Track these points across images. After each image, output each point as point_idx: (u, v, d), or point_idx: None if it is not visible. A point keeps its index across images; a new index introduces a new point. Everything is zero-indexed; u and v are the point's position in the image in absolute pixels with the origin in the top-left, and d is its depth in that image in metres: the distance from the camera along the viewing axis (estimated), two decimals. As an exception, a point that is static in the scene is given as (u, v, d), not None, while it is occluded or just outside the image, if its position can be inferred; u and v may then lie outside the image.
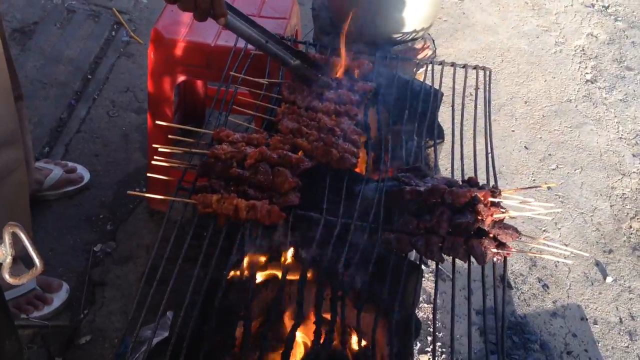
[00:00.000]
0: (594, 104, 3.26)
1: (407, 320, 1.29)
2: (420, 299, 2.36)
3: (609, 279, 2.50)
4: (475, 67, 1.84)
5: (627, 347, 2.31)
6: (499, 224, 1.32)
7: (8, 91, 1.78)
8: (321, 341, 1.13)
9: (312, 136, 1.46)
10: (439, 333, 2.28)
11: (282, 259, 1.30)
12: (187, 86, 2.47)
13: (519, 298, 2.41)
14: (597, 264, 2.56)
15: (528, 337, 2.30)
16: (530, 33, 3.66)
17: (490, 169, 1.57)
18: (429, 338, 2.25)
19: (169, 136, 1.42)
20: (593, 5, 3.92)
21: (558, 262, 2.53)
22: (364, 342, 1.36)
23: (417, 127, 1.61)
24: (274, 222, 1.30)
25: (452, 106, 1.74)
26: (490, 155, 1.59)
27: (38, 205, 2.36)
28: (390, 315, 1.27)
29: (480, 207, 1.29)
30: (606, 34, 3.71)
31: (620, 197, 2.81)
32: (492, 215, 1.29)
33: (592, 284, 2.48)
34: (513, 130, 3.08)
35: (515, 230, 1.33)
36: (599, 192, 2.83)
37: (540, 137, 3.06)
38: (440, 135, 1.68)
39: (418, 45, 2.00)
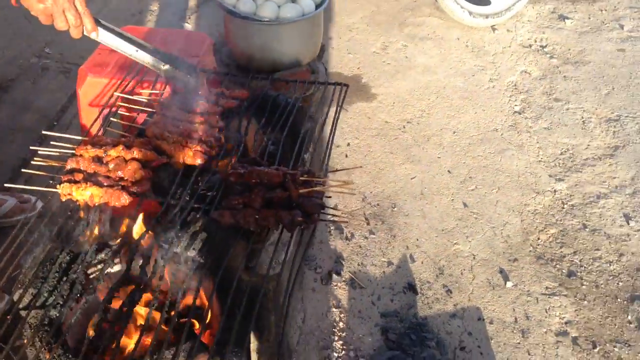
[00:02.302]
0: (518, 132, 3.52)
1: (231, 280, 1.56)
2: (331, 304, 2.60)
3: (509, 284, 2.70)
4: (334, 84, 2.14)
5: (519, 343, 2.49)
6: (307, 199, 1.60)
7: None
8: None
9: (172, 139, 1.78)
10: (343, 333, 2.50)
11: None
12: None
13: (422, 302, 2.63)
14: (501, 271, 2.76)
15: (425, 335, 2.50)
16: (467, 72, 3.98)
17: (327, 159, 1.84)
18: (332, 337, 2.48)
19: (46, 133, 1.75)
20: (530, 46, 4.23)
21: (464, 270, 2.75)
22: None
23: (271, 128, 1.92)
24: (123, 205, 1.60)
25: (312, 114, 2.02)
26: (328, 147, 1.86)
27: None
28: (215, 276, 1.54)
29: (289, 184, 1.57)
30: (540, 71, 4.00)
31: (532, 213, 3.03)
32: (298, 190, 1.57)
33: (494, 289, 2.68)
34: (439, 157, 3.35)
35: (320, 202, 1.60)
36: (512, 208, 3.05)
37: (464, 163, 3.32)
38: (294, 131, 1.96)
39: (302, 70, 2.34)
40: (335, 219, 1.64)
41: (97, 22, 1.72)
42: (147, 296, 1.44)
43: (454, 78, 3.92)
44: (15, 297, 1.44)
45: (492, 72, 3.98)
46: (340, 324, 2.53)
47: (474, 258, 2.81)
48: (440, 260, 2.79)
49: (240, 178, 1.62)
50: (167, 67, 1.87)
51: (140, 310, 1.45)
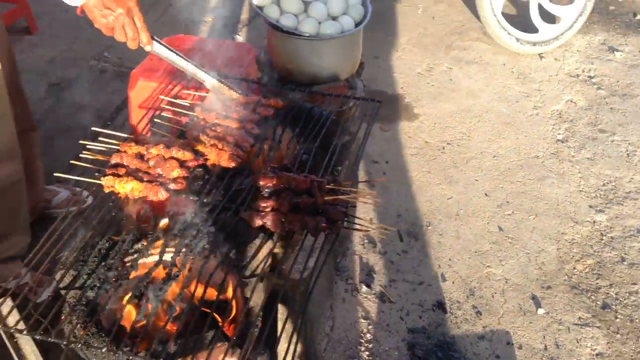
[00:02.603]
0: (560, 160, 3.49)
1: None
2: (359, 315, 2.63)
3: (541, 311, 2.67)
4: (368, 99, 2.20)
5: (546, 370, 2.47)
6: (332, 206, 1.65)
7: (8, 116, 2.28)
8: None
9: (209, 142, 1.87)
10: (370, 344, 2.53)
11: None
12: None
13: (451, 321, 2.63)
14: (533, 297, 2.74)
15: (453, 354, 2.50)
16: (511, 98, 3.97)
17: (354, 170, 1.89)
18: (359, 347, 2.50)
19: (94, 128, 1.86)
20: (578, 76, 4.20)
21: (495, 293, 2.74)
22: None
23: (305, 138, 1.98)
24: (160, 200, 1.69)
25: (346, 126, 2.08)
26: (357, 159, 1.92)
27: (43, 220, 2.85)
28: (240, 273, 1.60)
29: (315, 191, 1.63)
30: (586, 101, 3.96)
31: (569, 242, 3.00)
32: (323, 197, 1.63)
33: (524, 314, 2.67)
34: (477, 180, 3.35)
35: (344, 210, 1.65)
36: (548, 236, 3.03)
37: (502, 187, 3.31)
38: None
39: (339, 85, 2.41)
40: (359, 227, 1.68)
41: (152, 37, 1.89)
42: (175, 286, 1.51)
43: (497, 103, 3.93)
44: (57, 277, 1.54)
45: (536, 99, 3.97)
46: (368, 335, 2.55)
47: (506, 282, 2.80)
48: (471, 282, 2.79)
49: (270, 182, 1.69)
50: (211, 80, 2.00)
51: (169, 298, 1.52)
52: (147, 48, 1.90)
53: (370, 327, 2.58)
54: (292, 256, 1.70)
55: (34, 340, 1.50)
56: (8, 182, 2.33)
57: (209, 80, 2.04)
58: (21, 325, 1.41)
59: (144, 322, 1.42)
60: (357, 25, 2.41)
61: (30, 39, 4.24)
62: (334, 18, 2.41)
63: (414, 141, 3.61)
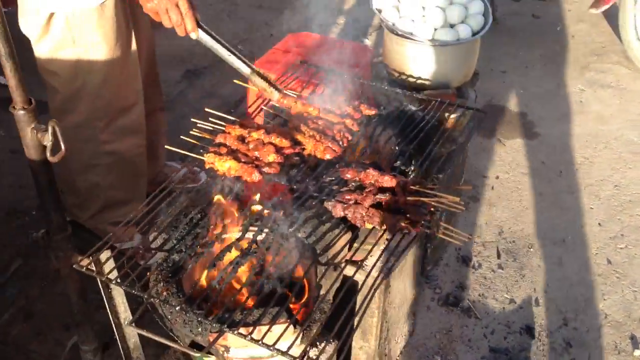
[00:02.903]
0: (691, 199, 3.23)
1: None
2: (442, 325, 2.61)
3: (637, 352, 2.51)
4: (472, 109, 2.18)
5: (634, 415, 2.31)
6: (413, 206, 1.67)
7: (139, 97, 2.50)
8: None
9: (308, 133, 1.96)
10: (448, 356, 2.50)
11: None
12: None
13: (537, 348, 2.54)
14: (632, 337, 2.57)
15: (533, 382, 2.42)
16: (646, 127, 3.73)
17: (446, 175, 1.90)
18: (436, 357, 2.49)
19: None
20: None
21: (591, 327, 2.60)
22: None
23: (402, 140, 2.02)
24: (253, 181, 1.80)
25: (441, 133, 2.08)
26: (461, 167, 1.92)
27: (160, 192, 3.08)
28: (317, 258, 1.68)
29: (398, 189, 1.66)
30: None
31: (685, 285, 2.78)
32: (406, 197, 1.65)
33: (619, 353, 2.51)
34: (591, 208, 3.19)
35: (425, 212, 1.66)
36: (662, 276, 2.83)
37: (619, 219, 3.13)
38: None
39: (447, 93, 2.41)
40: (443, 233, 1.69)
41: (198, 24, 1.89)
42: (251, 261, 1.61)
43: (629, 131, 3.70)
44: (150, 238, 1.69)
45: (676, 132, 3.69)
46: (447, 347, 2.53)
47: (606, 317, 2.65)
48: (567, 311, 2.67)
49: (357, 176, 1.74)
50: (251, 72, 2.01)
51: (243, 271, 1.62)
52: (192, 35, 1.89)
53: (450, 339, 2.55)
54: (374, 252, 1.74)
55: (125, 291, 1.65)
56: (132, 153, 2.55)
57: (248, 73, 2.02)
58: (113, 275, 1.57)
59: (218, 289, 1.53)
60: (474, 34, 2.39)
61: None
62: (452, 26, 2.40)
63: (530, 161, 3.50)
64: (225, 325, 1.44)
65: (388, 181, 1.71)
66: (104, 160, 2.43)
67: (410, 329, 2.52)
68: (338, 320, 1.47)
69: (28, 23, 2.10)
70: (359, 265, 1.69)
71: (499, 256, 2.91)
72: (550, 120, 3.79)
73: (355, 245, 1.71)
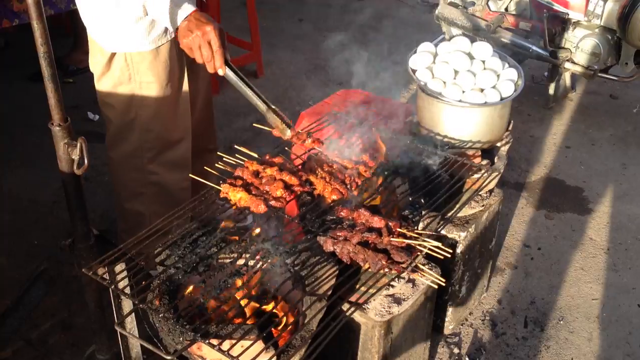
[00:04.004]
0: None
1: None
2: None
3: None
4: (483, 169, 2.24)
5: None
6: (397, 248, 1.75)
7: (188, 134, 2.69)
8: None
9: (320, 174, 2.10)
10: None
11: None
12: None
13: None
14: None
15: None
16: None
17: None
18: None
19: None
20: None
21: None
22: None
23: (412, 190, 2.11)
24: (259, 212, 1.96)
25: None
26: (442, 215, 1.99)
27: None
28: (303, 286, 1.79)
29: (384, 231, 1.75)
30: None
31: None
32: (390, 239, 1.74)
33: None
34: (634, 288, 3.07)
35: (408, 254, 1.74)
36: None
37: (663, 304, 2.99)
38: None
39: (470, 152, 2.48)
40: (426, 275, 1.75)
41: (226, 63, 2.05)
42: (238, 282, 1.74)
43: (691, 218, 3.54)
44: (155, 253, 1.87)
45: None
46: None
47: (629, 401, 2.53)
48: (589, 389, 2.58)
49: (350, 215, 1.85)
50: (267, 109, 2.13)
51: (229, 290, 1.75)
52: (220, 72, 2.05)
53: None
54: (370, 293, 1.82)
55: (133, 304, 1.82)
56: (177, 186, 2.74)
57: (267, 113, 2.14)
58: (122, 285, 1.75)
59: (202, 302, 1.67)
60: (502, 99, 2.47)
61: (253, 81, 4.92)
62: (482, 89, 2.50)
63: (578, 235, 3.43)
64: (198, 335, 1.57)
65: (377, 222, 1.81)
66: (149, 189, 2.65)
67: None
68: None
69: (93, 61, 2.41)
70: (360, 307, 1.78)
71: (525, 325, 2.86)
72: (607, 198, 3.70)
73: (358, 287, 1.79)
